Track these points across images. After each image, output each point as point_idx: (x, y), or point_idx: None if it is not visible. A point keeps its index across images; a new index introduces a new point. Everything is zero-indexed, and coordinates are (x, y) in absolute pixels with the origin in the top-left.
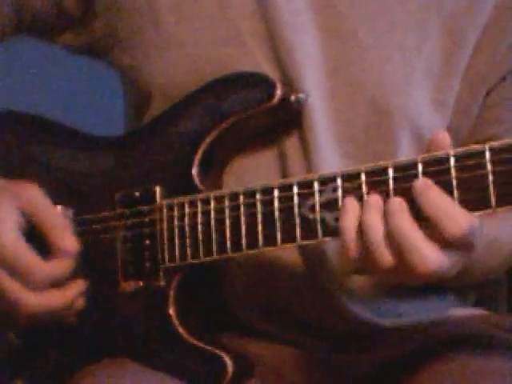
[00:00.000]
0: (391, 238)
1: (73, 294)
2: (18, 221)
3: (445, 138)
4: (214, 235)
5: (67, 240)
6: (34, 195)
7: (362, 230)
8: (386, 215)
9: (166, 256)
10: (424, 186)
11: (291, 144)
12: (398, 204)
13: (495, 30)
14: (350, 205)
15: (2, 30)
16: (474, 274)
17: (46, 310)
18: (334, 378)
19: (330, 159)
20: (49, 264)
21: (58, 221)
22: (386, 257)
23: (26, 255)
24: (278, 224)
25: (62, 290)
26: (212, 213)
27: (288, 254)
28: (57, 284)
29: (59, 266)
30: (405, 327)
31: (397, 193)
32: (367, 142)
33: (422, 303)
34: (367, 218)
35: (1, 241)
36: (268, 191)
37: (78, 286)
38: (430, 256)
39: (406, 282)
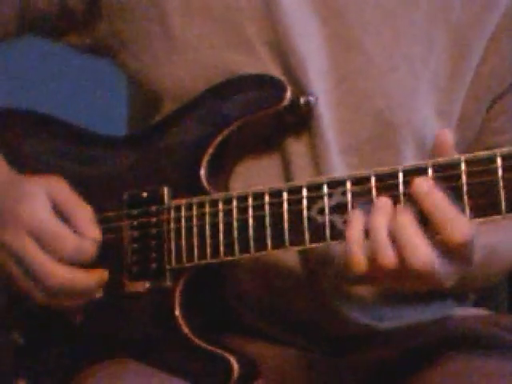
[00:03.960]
0: (393, 235)
1: (97, 278)
2: (47, 199)
3: (445, 134)
4: (221, 237)
5: (92, 227)
6: (62, 185)
7: (368, 230)
8: (393, 214)
9: (173, 257)
10: (428, 189)
11: (299, 150)
12: (404, 207)
13: (501, 41)
14: (356, 214)
15: (5, 29)
16: (476, 281)
17: (69, 286)
18: (334, 379)
19: (335, 168)
20: (78, 237)
21: (84, 209)
22: (388, 255)
23: (57, 225)
24: (286, 226)
25: (88, 272)
26: (220, 214)
27: (290, 258)
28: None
29: (87, 245)
30: (404, 328)
31: (406, 197)
32: (371, 152)
33: (422, 308)
34: (375, 219)
35: (31, 211)
36: (277, 194)
37: (103, 274)
38: (425, 253)
39: (406, 286)
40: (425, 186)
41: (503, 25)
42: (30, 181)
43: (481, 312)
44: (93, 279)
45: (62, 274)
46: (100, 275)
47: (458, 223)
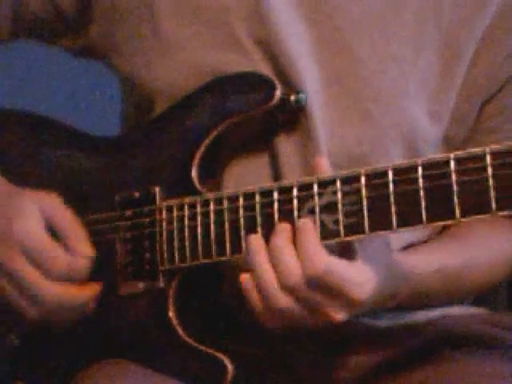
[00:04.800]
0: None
1: (89, 293)
2: (40, 217)
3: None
4: (213, 237)
5: (84, 245)
6: (54, 202)
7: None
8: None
9: (166, 258)
10: (300, 226)
11: (289, 150)
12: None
13: (493, 40)
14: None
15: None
16: (434, 298)
17: (62, 304)
18: (334, 379)
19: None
20: (70, 256)
21: (76, 227)
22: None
23: (49, 243)
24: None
25: (80, 288)
26: (211, 214)
27: None
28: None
29: (79, 263)
30: (403, 327)
31: (396, 196)
32: (360, 155)
33: (421, 309)
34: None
35: (24, 229)
36: (267, 193)
37: (95, 288)
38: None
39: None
40: (301, 224)
41: (494, 25)
42: (24, 197)
43: (480, 311)
44: (85, 295)
45: (54, 291)
46: (92, 290)
47: (312, 256)
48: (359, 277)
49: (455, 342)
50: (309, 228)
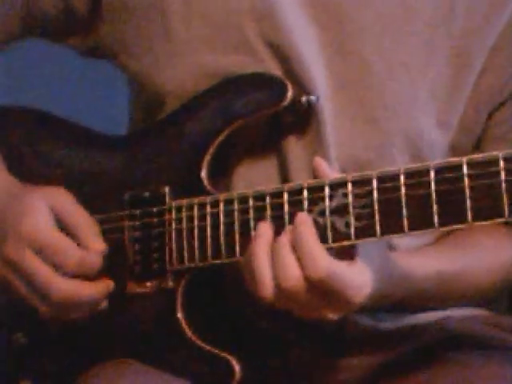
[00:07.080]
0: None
1: (102, 289)
2: (49, 213)
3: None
4: (222, 238)
5: (96, 240)
6: (64, 197)
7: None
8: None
9: (175, 258)
10: (299, 220)
11: (298, 153)
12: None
13: (503, 49)
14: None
15: (9, 31)
16: (430, 302)
17: (74, 299)
18: (334, 379)
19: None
20: (82, 250)
21: (87, 222)
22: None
23: (60, 238)
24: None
25: (93, 284)
26: (221, 215)
27: None
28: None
29: (91, 257)
30: (404, 329)
31: (408, 199)
32: (366, 161)
33: (421, 312)
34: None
35: (34, 226)
36: (278, 195)
37: (108, 284)
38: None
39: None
40: (298, 218)
41: (505, 33)
42: (32, 193)
43: (482, 313)
44: (97, 291)
45: (65, 287)
46: (105, 286)
47: (315, 260)
48: (358, 280)
49: (457, 343)
50: (308, 225)
